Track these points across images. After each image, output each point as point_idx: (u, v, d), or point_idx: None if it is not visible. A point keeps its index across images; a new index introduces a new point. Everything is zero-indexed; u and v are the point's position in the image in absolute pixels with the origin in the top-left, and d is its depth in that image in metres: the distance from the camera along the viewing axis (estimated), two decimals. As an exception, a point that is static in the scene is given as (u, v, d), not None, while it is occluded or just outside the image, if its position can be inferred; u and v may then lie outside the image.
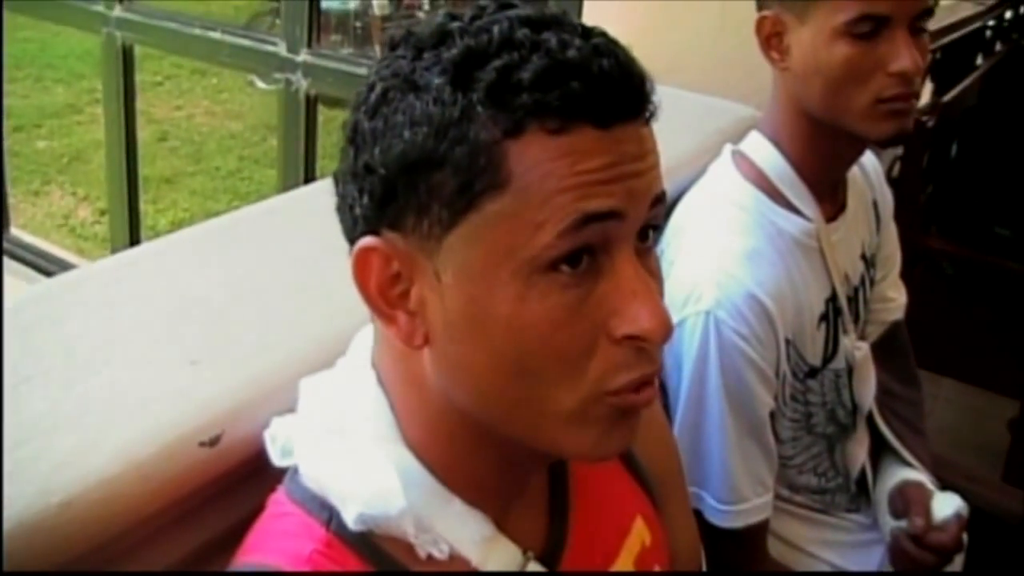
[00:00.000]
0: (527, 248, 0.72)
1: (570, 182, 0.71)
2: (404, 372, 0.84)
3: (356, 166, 0.78)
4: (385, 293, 0.79)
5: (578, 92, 0.71)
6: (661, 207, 0.78)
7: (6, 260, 4.75)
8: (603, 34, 0.77)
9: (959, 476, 1.88)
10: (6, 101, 6.36)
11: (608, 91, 0.73)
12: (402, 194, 0.75)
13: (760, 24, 1.43)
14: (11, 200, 6.29)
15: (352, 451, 0.83)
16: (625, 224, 0.74)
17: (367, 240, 0.78)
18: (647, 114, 0.77)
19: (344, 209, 0.81)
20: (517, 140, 0.71)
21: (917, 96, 1.41)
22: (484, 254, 0.73)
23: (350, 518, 0.80)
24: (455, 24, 0.76)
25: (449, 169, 0.72)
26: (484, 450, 0.84)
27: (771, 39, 1.43)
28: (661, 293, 0.80)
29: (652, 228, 0.79)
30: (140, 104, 4.86)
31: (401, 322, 0.79)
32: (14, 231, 5.85)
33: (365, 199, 0.77)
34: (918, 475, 1.73)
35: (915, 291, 1.89)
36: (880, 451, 1.77)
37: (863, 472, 1.73)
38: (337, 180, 0.82)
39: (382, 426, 0.84)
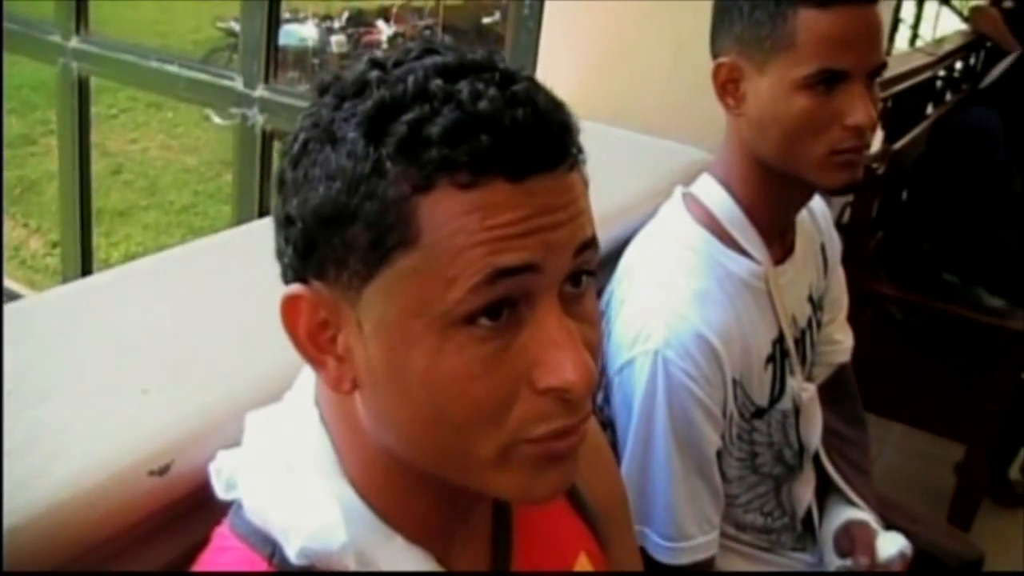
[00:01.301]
0: (440, 303, 0.71)
1: (480, 237, 0.70)
2: (341, 413, 0.83)
3: (281, 216, 0.78)
4: (315, 339, 0.79)
5: (487, 146, 0.70)
6: (590, 252, 0.76)
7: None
8: (528, 78, 0.75)
9: (904, 518, 1.89)
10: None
11: (521, 143, 0.71)
12: (320, 246, 0.74)
13: (717, 70, 1.45)
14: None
15: (295, 486, 0.82)
16: (544, 276, 0.73)
17: (293, 288, 0.78)
18: (568, 163, 0.75)
19: (277, 255, 0.81)
20: (427, 196, 0.70)
21: (868, 147, 1.43)
22: (399, 308, 0.73)
23: (292, 552, 0.79)
24: (374, 73, 0.75)
25: (361, 224, 0.72)
26: (422, 489, 0.83)
27: (727, 85, 1.45)
28: (599, 335, 0.80)
29: (586, 273, 0.77)
30: (95, 136, 4.82)
31: (330, 367, 0.79)
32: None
33: (290, 249, 0.77)
34: (863, 515, 1.75)
35: (864, 336, 1.91)
36: (826, 491, 1.79)
37: (809, 512, 1.75)
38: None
39: (324, 462, 0.83)
